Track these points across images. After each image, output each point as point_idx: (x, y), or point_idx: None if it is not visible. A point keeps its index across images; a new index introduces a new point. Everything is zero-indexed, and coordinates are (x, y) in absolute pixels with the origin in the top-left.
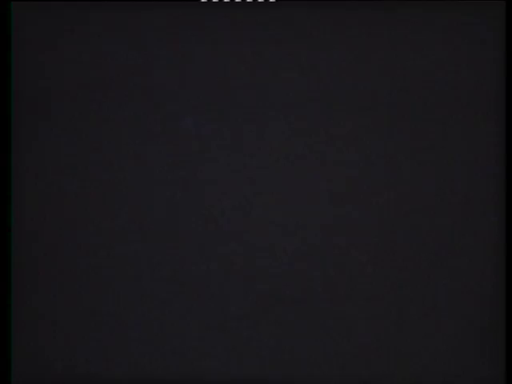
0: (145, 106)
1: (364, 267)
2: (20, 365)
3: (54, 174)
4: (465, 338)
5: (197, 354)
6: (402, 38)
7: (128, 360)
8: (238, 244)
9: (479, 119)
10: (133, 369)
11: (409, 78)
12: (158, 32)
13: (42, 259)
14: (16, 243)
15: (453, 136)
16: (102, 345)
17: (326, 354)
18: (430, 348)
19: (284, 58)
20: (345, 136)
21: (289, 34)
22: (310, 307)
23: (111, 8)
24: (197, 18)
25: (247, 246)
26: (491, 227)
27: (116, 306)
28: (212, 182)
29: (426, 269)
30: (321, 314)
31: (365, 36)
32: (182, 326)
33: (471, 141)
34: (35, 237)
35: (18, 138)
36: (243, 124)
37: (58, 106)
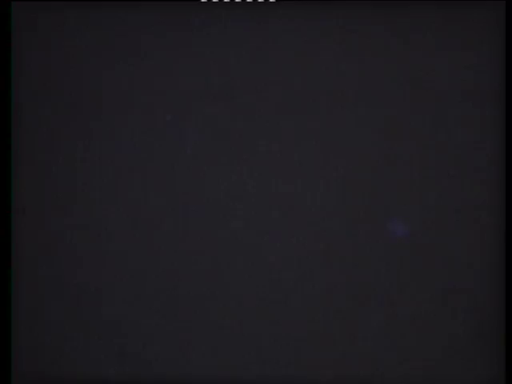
0: (145, 105)
1: (363, 267)
2: (20, 365)
3: (54, 174)
4: (465, 337)
5: (197, 354)
6: (402, 38)
7: (128, 360)
8: (239, 244)
9: (479, 119)
10: (133, 369)
11: (408, 78)
12: (158, 32)
13: (42, 259)
14: (16, 243)
15: (452, 136)
16: (102, 345)
17: (325, 354)
18: (430, 348)
19: (284, 57)
20: (344, 135)
21: (289, 33)
22: (311, 307)
23: (111, 8)
24: (197, 18)
25: (248, 245)
26: (491, 227)
27: (117, 306)
28: (212, 182)
29: (426, 269)
30: (320, 314)
31: (365, 36)
32: (183, 326)
33: (471, 140)
34: (35, 237)
35: (18, 138)
36: (243, 124)
37: (58, 106)
